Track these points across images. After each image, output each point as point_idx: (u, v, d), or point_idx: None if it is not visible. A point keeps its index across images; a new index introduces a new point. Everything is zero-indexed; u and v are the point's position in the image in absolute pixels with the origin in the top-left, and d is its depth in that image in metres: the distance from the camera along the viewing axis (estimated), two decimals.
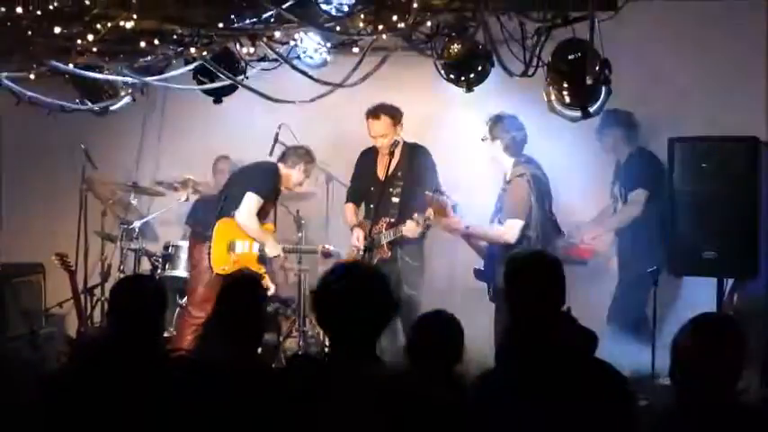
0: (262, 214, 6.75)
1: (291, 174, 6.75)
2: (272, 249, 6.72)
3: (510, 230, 5.92)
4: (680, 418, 3.03)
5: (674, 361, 3.08)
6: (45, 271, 7.75)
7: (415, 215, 6.27)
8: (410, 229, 6.32)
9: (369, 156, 6.81)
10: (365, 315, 3.00)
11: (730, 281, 6.04)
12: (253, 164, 6.86)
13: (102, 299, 7.30)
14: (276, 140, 7.15)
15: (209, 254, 6.62)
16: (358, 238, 6.61)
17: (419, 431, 2.85)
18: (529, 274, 3.55)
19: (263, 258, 6.76)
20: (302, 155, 6.76)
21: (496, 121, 6.13)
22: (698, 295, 6.07)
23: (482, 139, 6.19)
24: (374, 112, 6.50)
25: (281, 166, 6.76)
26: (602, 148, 6.91)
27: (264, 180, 6.71)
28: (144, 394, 3.43)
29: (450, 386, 3.64)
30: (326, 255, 6.89)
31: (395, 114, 6.53)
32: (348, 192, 6.99)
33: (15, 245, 7.82)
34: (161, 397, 3.48)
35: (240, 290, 3.94)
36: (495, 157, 6.31)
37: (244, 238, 6.69)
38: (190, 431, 3.37)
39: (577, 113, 5.08)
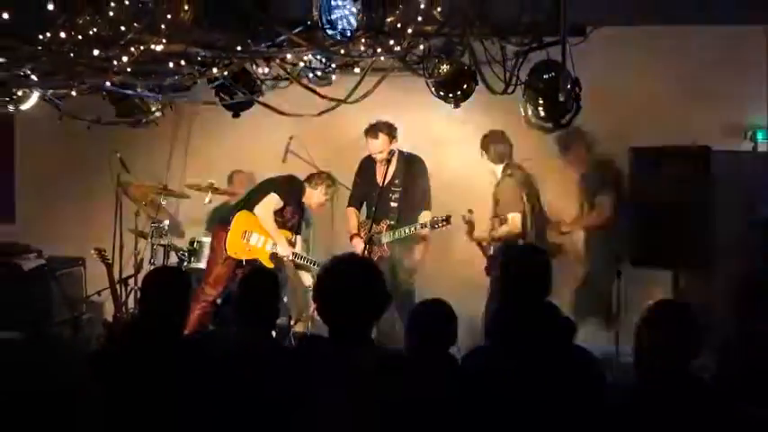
0: (283, 222, 6.76)
1: (314, 193, 6.74)
2: (283, 249, 6.69)
3: (515, 223, 6.23)
4: (641, 394, 3.03)
5: (637, 343, 3.08)
6: (85, 264, 7.76)
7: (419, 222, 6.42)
8: (422, 225, 6.43)
9: (368, 163, 6.79)
10: (360, 304, 3.00)
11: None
12: (284, 176, 6.84)
13: (135, 288, 7.28)
14: (288, 150, 7.17)
15: (225, 239, 6.64)
16: (357, 246, 6.60)
17: (409, 404, 2.85)
18: (520, 266, 3.56)
19: (274, 257, 6.74)
20: (325, 179, 6.76)
21: (486, 137, 6.43)
22: (656, 285, 6.08)
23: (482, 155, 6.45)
24: (372, 131, 6.53)
25: (306, 185, 6.76)
26: (567, 161, 6.92)
27: (289, 189, 6.73)
28: (170, 370, 3.44)
29: (445, 366, 3.63)
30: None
31: (390, 131, 6.56)
32: (350, 197, 6.95)
33: (59, 241, 7.80)
34: (186, 372, 3.49)
35: (260, 279, 3.96)
36: (487, 166, 6.42)
37: (260, 233, 6.69)
38: (211, 402, 3.36)
39: (551, 126, 5.09)
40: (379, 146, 6.54)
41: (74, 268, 7.76)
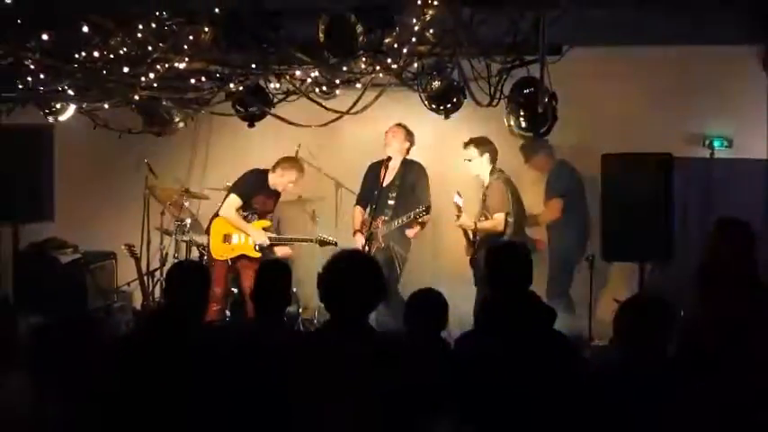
0: (258, 212, 6.82)
1: (279, 179, 6.79)
2: (257, 237, 6.75)
3: (499, 222, 6.29)
4: (620, 373, 3.03)
5: (616, 330, 3.09)
6: (116, 258, 7.76)
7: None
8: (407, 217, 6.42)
9: (374, 169, 6.79)
10: (359, 295, 3.00)
11: (649, 265, 6.06)
12: (242, 174, 6.91)
13: (161, 279, 7.28)
14: (296, 156, 7.17)
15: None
16: (358, 241, 6.62)
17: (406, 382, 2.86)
18: (506, 261, 3.56)
19: (261, 248, 6.77)
20: (290, 165, 6.79)
21: (471, 143, 6.43)
22: (624, 277, 6.09)
23: (468, 160, 6.44)
24: (395, 127, 6.66)
25: (270, 174, 6.80)
26: (530, 166, 6.94)
27: (245, 184, 6.83)
28: (192, 354, 3.43)
29: (437, 346, 3.64)
30: (323, 243, 6.87)
31: (409, 133, 6.68)
32: (357, 197, 6.96)
33: (93, 238, 7.81)
34: (205, 355, 3.49)
35: (272, 271, 3.95)
36: (475, 169, 6.42)
37: (239, 233, 6.78)
38: (229, 381, 3.36)
39: (529, 134, 5.10)
40: (391, 140, 6.63)
41: (106, 262, 7.78)
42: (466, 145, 6.50)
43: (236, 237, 6.79)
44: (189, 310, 3.70)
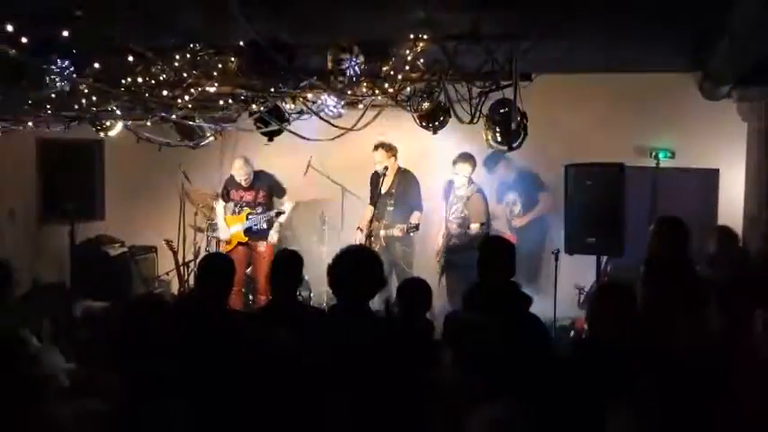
0: (247, 203, 6.91)
1: (235, 171, 6.89)
2: (236, 228, 6.94)
3: (475, 230, 6.26)
4: (588, 350, 3.02)
5: (588, 312, 3.07)
6: (157, 251, 7.79)
7: (404, 225, 6.39)
8: (401, 230, 6.39)
9: (374, 178, 6.79)
10: (362, 283, 3.01)
11: (604, 258, 6.07)
12: None
13: (194, 269, 7.29)
14: (308, 165, 7.17)
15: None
16: (357, 235, 6.63)
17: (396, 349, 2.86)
18: (495, 252, 3.55)
19: (247, 233, 6.89)
20: (240, 161, 6.88)
21: (466, 160, 6.43)
22: (584, 268, 6.09)
23: (465, 176, 6.45)
24: (375, 147, 6.62)
25: (233, 173, 6.94)
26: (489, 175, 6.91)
27: (222, 190, 7.09)
28: (219, 333, 3.40)
29: (423, 324, 3.65)
30: (278, 214, 6.93)
31: (387, 148, 6.63)
32: (369, 199, 6.91)
33: (137, 234, 7.81)
34: (231, 333, 3.46)
35: (285, 260, 3.91)
36: (462, 181, 6.47)
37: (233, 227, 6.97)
38: (252, 357, 3.33)
39: (504, 148, 5.10)
40: (378, 157, 6.61)
41: (148, 254, 7.80)
42: (460, 161, 6.44)
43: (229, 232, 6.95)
44: (216, 294, 3.69)
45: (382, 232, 6.53)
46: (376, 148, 6.62)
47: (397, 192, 6.63)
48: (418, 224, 6.43)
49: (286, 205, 7.01)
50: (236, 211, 6.95)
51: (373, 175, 6.83)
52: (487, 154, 6.38)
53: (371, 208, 6.78)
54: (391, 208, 6.60)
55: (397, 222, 6.49)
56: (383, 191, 6.63)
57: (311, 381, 2.33)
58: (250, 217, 6.87)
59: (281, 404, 2.25)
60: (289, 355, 2.79)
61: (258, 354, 3.21)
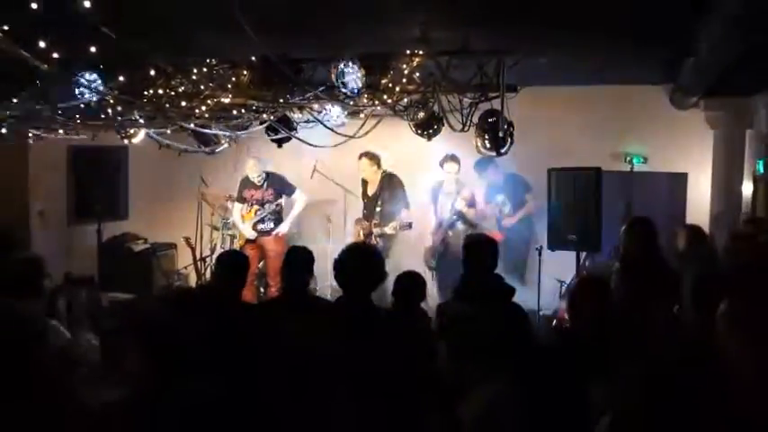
0: (258, 201, 6.80)
1: (248, 173, 6.85)
2: (246, 232, 6.82)
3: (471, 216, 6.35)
4: (569, 337, 3.02)
5: (568, 303, 3.07)
6: (177, 247, 7.77)
7: (393, 223, 6.39)
8: (392, 228, 6.39)
9: (364, 183, 6.84)
10: (364, 277, 3.00)
11: (584, 254, 6.07)
12: None
13: (210, 264, 7.28)
14: (314, 169, 7.17)
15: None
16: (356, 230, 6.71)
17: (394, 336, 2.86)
18: (479, 249, 3.55)
19: (255, 227, 6.79)
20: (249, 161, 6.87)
21: (446, 160, 6.47)
22: (565, 262, 6.10)
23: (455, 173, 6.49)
24: (359, 156, 6.63)
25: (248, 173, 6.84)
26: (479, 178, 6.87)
27: (237, 191, 6.97)
28: (237, 322, 3.40)
29: (417, 314, 3.64)
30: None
31: (370, 157, 6.63)
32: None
33: (159, 232, 7.81)
34: (248, 321, 3.46)
35: (298, 255, 3.78)
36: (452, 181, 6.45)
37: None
38: (270, 340, 3.30)
39: (493, 153, 5.10)
40: (362, 166, 6.67)
41: (168, 250, 7.78)
42: (450, 161, 6.45)
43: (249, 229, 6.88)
44: (231, 287, 3.68)
45: (376, 230, 6.54)
46: (360, 157, 6.62)
47: (382, 194, 6.64)
48: (411, 222, 6.40)
49: (297, 192, 6.90)
50: (247, 209, 6.94)
51: (363, 182, 6.87)
52: (477, 159, 6.37)
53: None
54: (379, 209, 6.62)
55: (386, 221, 6.49)
56: (370, 194, 6.68)
57: (321, 367, 2.32)
58: (258, 213, 6.84)
59: (293, 389, 2.24)
60: (301, 343, 2.79)
61: (273, 341, 3.23)
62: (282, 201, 6.80)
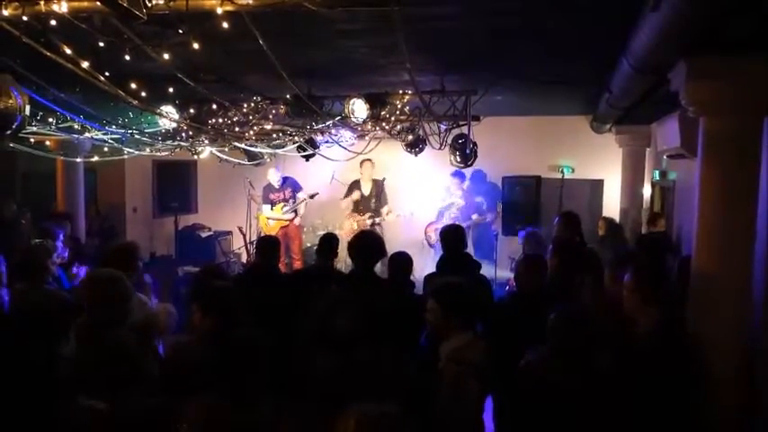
0: (282, 200, 6.69)
1: (270, 179, 6.74)
2: (276, 216, 6.64)
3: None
4: (516, 299, 3.00)
5: (515, 274, 3.06)
6: (232, 234, 7.72)
7: (391, 212, 6.45)
8: (381, 217, 6.46)
9: (357, 184, 6.79)
10: (371, 254, 3.00)
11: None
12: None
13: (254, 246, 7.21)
14: (332, 177, 7.12)
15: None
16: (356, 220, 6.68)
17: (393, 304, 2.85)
18: (453, 234, 3.53)
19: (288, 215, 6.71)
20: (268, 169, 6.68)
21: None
22: (514, 245, 6.08)
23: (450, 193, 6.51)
24: (361, 162, 6.57)
25: (270, 179, 6.67)
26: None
27: (263, 197, 6.80)
28: (274, 289, 3.33)
29: (407, 285, 3.61)
30: (311, 196, 6.76)
31: (372, 163, 6.61)
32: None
33: (220, 222, 7.79)
34: (285, 285, 3.43)
35: (327, 237, 3.68)
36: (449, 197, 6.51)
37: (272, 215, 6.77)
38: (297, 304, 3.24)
39: (462, 165, 5.10)
40: (365, 169, 6.65)
41: (226, 236, 7.74)
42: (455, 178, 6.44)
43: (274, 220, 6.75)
44: (270, 263, 3.65)
45: (368, 221, 6.56)
46: (363, 162, 6.56)
47: (375, 193, 6.67)
48: (394, 213, 6.52)
49: (301, 192, 6.81)
50: (273, 207, 6.88)
51: (353, 183, 6.80)
52: (452, 171, 6.32)
53: (347, 202, 6.71)
54: (373, 204, 6.65)
55: (376, 214, 6.58)
56: (366, 193, 6.67)
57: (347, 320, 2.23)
58: (284, 209, 6.79)
59: (325, 331, 2.17)
60: (333, 295, 2.72)
61: (307, 297, 3.17)
62: (309, 194, 6.76)
